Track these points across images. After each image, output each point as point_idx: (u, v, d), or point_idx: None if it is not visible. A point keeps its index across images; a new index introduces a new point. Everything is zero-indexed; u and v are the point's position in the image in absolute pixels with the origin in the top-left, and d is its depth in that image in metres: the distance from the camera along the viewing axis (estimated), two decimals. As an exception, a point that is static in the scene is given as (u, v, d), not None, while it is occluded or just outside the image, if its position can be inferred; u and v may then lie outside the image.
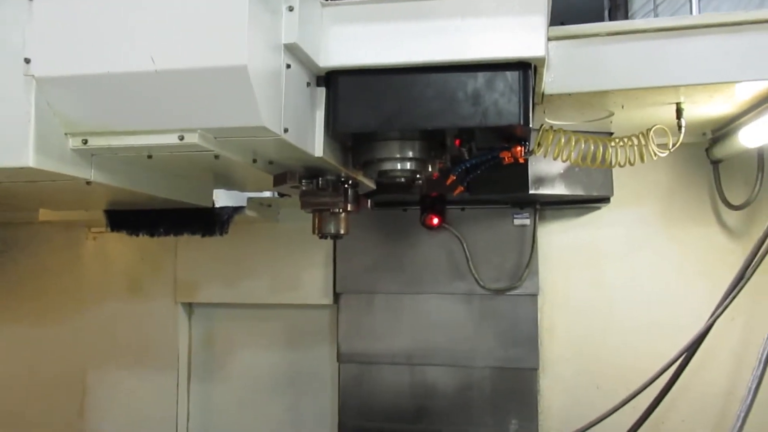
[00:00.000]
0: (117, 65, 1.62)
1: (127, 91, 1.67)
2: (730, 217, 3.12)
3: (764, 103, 2.36)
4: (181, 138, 1.74)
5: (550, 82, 2.21)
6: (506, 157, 2.16)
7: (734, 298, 2.43)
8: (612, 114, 2.55)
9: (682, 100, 2.41)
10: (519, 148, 2.13)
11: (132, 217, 2.86)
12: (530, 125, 1.96)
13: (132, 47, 1.62)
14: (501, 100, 1.94)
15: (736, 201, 3.02)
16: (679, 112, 2.42)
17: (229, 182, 2.65)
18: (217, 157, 1.89)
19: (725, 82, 2.19)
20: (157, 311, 3.62)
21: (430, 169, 2.22)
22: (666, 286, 3.18)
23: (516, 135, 2.11)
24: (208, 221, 2.89)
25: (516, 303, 3.16)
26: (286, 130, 1.81)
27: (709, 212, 3.16)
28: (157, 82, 1.63)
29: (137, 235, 2.96)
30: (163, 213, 2.80)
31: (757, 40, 2.12)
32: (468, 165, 2.21)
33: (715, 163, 3.08)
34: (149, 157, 1.91)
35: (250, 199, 3.12)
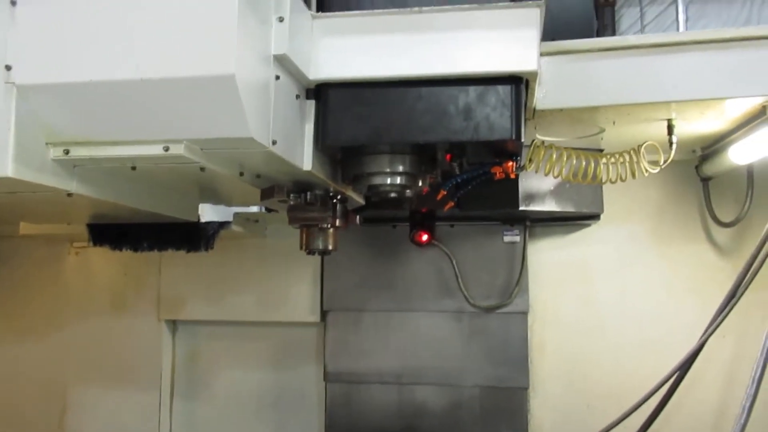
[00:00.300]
0: (101, 73, 1.58)
1: (111, 100, 1.63)
2: (720, 234, 3.11)
3: (754, 120, 2.36)
4: (166, 149, 1.70)
5: (542, 97, 2.20)
6: (497, 172, 2.14)
7: (726, 315, 2.41)
8: (603, 130, 2.54)
9: (673, 116, 2.40)
10: (510, 164, 2.11)
11: (115, 232, 2.80)
12: (522, 140, 1.93)
13: (117, 55, 1.58)
14: (493, 114, 1.92)
15: (726, 218, 3.01)
16: (670, 129, 2.42)
17: (215, 196, 2.60)
18: (203, 169, 1.85)
19: (716, 98, 2.19)
20: (140, 328, 3.53)
21: (420, 184, 2.19)
22: (656, 304, 3.16)
23: (507, 150, 2.09)
24: (193, 236, 2.83)
25: (506, 321, 3.12)
26: (274, 143, 1.77)
27: (699, 229, 3.15)
28: (142, 91, 1.59)
29: (120, 250, 2.90)
30: (146, 227, 2.74)
31: (747, 57, 2.13)
32: (459, 180, 2.18)
33: (705, 180, 3.08)
34: (133, 168, 1.86)
35: (236, 214, 3.06)
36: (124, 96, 1.61)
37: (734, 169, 2.86)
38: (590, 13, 3.19)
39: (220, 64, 1.54)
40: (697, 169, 3.09)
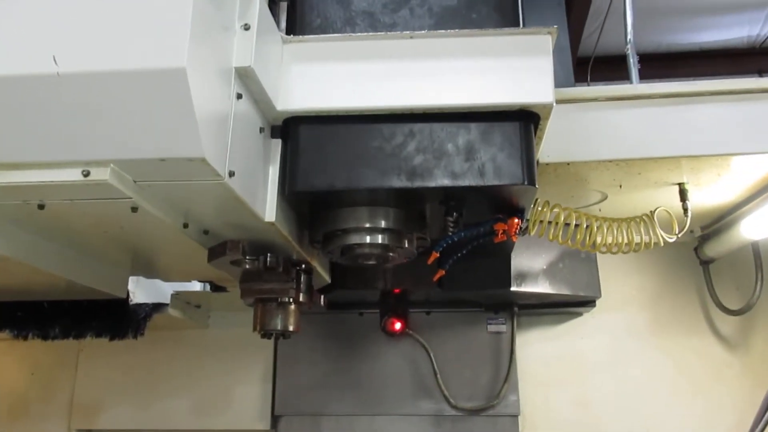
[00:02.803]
0: (1, 66, 1.18)
1: (14, 105, 1.21)
2: (725, 324, 2.79)
3: (773, 187, 2.11)
4: (86, 174, 1.27)
5: (547, 149, 1.90)
6: (499, 231, 1.77)
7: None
8: (605, 197, 2.25)
9: (685, 180, 2.13)
10: (516, 221, 1.75)
11: (19, 313, 2.25)
12: (536, 187, 1.60)
13: (26, 42, 1.19)
14: (500, 155, 1.59)
15: (731, 305, 2.70)
16: (683, 194, 2.14)
17: (149, 266, 2.11)
18: (134, 209, 1.41)
19: (738, 154, 1.93)
20: (43, 442, 2.87)
21: (406, 246, 1.79)
22: (659, 405, 2.75)
23: (513, 203, 1.74)
24: (120, 319, 2.31)
25: (494, 425, 2.63)
26: (231, 174, 1.37)
27: (701, 319, 2.83)
28: (58, 92, 1.19)
29: (25, 338, 2.34)
30: (59, 307, 2.20)
31: (770, 110, 1.90)
32: (455, 239, 1.79)
33: (706, 263, 2.79)
34: (41, 207, 1.41)
35: (174, 295, 2.56)
36: (32, 98, 1.20)
37: (738, 250, 2.60)
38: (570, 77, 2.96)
39: (167, 54, 1.17)
40: (696, 251, 2.82)
